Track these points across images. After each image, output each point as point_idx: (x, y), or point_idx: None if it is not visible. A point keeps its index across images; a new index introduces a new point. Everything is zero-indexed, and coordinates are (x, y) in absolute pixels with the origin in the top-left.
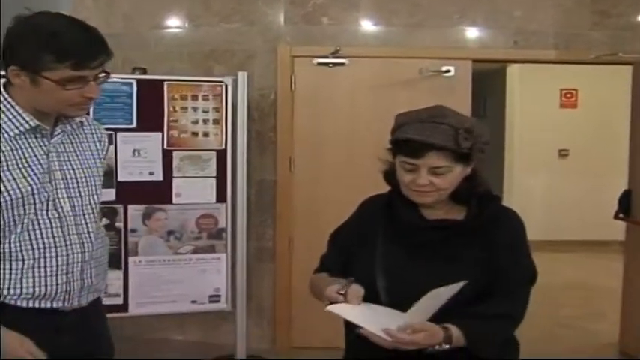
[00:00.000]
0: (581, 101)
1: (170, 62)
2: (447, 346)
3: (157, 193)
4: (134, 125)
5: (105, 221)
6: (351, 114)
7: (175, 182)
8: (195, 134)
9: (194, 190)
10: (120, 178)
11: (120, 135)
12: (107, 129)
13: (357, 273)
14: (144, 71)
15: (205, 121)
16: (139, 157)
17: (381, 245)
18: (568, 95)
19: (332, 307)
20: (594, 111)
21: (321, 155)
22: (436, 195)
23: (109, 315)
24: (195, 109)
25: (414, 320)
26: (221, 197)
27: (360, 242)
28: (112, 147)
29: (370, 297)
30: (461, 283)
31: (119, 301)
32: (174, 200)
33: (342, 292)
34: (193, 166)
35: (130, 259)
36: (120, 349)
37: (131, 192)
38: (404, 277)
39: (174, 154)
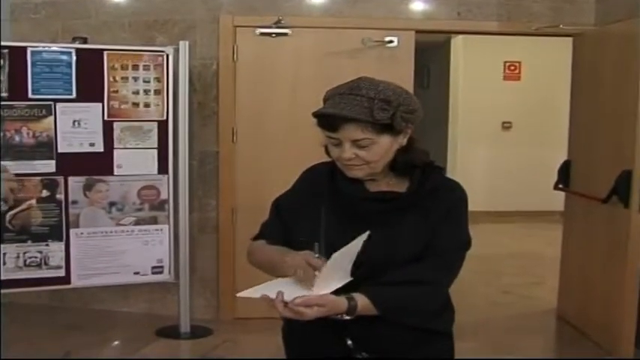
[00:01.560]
0: (524, 74)
1: (112, 32)
2: (348, 317)
3: (97, 164)
4: (74, 96)
5: (45, 193)
6: (294, 84)
7: (116, 153)
8: (136, 105)
9: (135, 161)
10: (60, 150)
11: (59, 105)
12: (46, 99)
13: (299, 242)
14: (84, 41)
15: (146, 92)
16: (79, 127)
17: (323, 215)
18: (512, 68)
19: (242, 294)
20: (538, 83)
21: (264, 126)
22: (367, 168)
23: (50, 287)
24: (135, 79)
25: (320, 292)
26: (163, 168)
27: (302, 211)
28: (52, 118)
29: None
30: (364, 236)
31: (61, 273)
32: (116, 171)
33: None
34: (134, 137)
35: (72, 231)
36: (65, 321)
37: (71, 163)
38: (343, 246)
39: (115, 124)
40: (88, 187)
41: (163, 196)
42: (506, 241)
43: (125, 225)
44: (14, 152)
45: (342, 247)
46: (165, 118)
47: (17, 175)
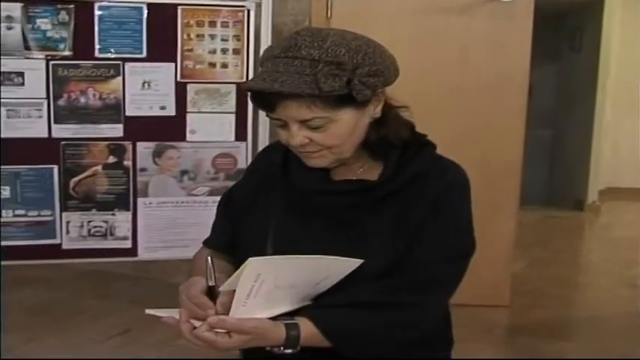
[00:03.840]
0: None
1: None
2: (290, 351)
3: (168, 129)
4: (144, 55)
5: (112, 159)
6: (391, 44)
7: (190, 118)
8: (212, 65)
9: (211, 126)
10: (128, 113)
11: (128, 65)
12: (114, 58)
13: (245, 246)
14: None
15: (224, 51)
16: (149, 89)
17: (274, 211)
18: None
19: (151, 311)
20: None
21: None
22: (330, 155)
23: (115, 259)
24: (212, 37)
25: (241, 315)
26: (241, 135)
27: (254, 204)
28: (120, 79)
29: None
30: (353, 262)
31: (127, 244)
32: (189, 137)
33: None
34: (210, 100)
35: (139, 201)
36: (141, 293)
37: (140, 128)
38: (296, 253)
39: (189, 86)
40: (157, 154)
41: (240, 165)
42: None
43: (197, 195)
44: (79, 115)
45: (294, 255)
46: (245, 80)
47: (82, 139)
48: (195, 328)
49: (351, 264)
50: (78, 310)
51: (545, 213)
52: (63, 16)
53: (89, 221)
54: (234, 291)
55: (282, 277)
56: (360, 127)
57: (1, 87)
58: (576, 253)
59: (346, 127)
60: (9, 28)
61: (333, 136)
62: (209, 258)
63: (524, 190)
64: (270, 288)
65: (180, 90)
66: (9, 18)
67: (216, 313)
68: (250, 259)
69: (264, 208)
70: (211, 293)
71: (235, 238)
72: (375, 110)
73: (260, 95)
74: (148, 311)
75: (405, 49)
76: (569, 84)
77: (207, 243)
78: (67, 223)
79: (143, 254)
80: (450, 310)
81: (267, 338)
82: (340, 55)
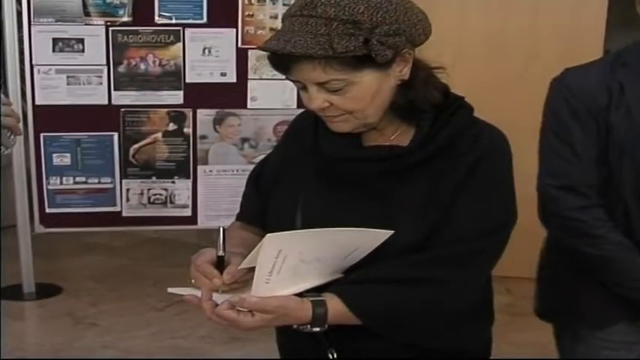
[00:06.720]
0: None
1: None
2: (317, 329)
3: (229, 96)
4: (204, 20)
5: (172, 126)
6: (462, 6)
7: (251, 84)
8: (274, 30)
9: (272, 93)
10: (188, 80)
11: (188, 31)
12: (174, 24)
13: (274, 218)
14: None
15: None
16: (209, 56)
17: (304, 181)
18: None
19: (173, 290)
20: None
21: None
22: (353, 119)
23: (175, 227)
24: (274, 1)
25: (263, 293)
26: (302, 102)
27: (285, 174)
28: (180, 45)
29: None
30: (382, 233)
31: (187, 212)
32: (250, 104)
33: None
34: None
35: (199, 168)
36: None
37: (201, 95)
38: (326, 223)
39: (250, 52)
40: (218, 121)
41: None
42: None
43: None
44: (139, 82)
45: (322, 228)
46: None
47: (142, 106)
48: (217, 306)
49: (380, 235)
50: (139, 277)
51: None
52: None
53: (149, 189)
54: (254, 268)
55: (307, 251)
56: (384, 90)
57: (62, 53)
58: None
59: (367, 90)
60: None
61: (353, 100)
62: (221, 228)
63: None
64: (295, 262)
65: (241, 56)
66: None
67: (222, 283)
68: (268, 235)
69: (294, 179)
70: (220, 264)
71: (266, 210)
72: (401, 72)
73: (275, 56)
74: (170, 290)
75: (476, 13)
76: None
77: (238, 217)
78: (127, 190)
79: (203, 222)
80: (492, 284)
81: (291, 317)
82: (358, 13)
